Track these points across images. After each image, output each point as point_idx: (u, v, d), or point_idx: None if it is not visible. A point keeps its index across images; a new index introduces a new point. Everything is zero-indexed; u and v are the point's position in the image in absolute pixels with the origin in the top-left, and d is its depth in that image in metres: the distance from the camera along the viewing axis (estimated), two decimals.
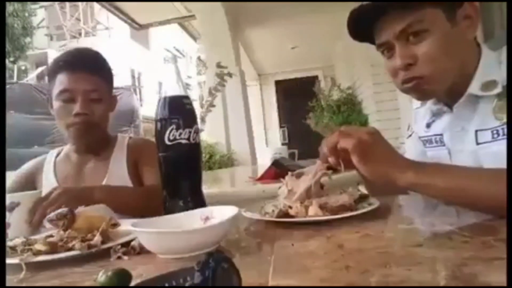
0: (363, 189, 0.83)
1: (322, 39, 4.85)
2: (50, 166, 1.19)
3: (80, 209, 0.74)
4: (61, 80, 1.07)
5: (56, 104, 1.08)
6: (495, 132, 0.75)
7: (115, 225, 0.73)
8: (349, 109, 5.64)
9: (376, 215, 0.73)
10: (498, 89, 0.75)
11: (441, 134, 0.89)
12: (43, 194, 1.13)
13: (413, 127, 1.03)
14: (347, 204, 0.73)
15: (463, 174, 0.66)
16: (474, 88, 0.78)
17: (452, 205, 0.69)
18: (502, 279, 0.37)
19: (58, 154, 1.24)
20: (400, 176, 0.67)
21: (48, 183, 1.14)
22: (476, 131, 0.78)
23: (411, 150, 1.03)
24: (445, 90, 0.81)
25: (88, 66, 1.09)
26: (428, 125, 0.94)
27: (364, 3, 0.79)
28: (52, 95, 1.10)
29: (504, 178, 0.58)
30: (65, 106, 1.06)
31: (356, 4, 0.81)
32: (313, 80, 6.81)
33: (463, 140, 0.82)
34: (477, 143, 0.78)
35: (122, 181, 0.82)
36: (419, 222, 0.73)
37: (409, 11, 0.76)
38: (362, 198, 0.80)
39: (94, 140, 1.14)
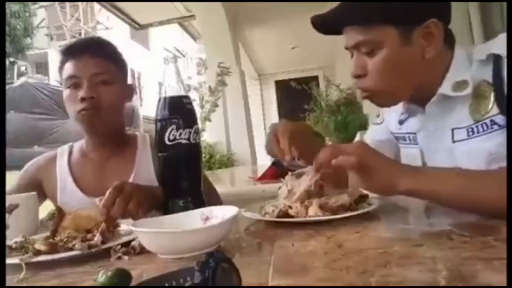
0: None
1: (322, 39, 4.83)
2: (65, 169, 1.13)
3: (73, 208, 0.73)
4: (67, 67, 1.05)
5: (65, 93, 1.06)
6: (470, 130, 0.76)
7: (115, 225, 0.73)
8: (348, 109, 5.63)
9: (376, 215, 0.73)
10: (468, 90, 0.75)
11: (414, 133, 0.90)
12: (59, 197, 1.08)
13: (383, 117, 1.03)
14: (347, 204, 0.73)
15: (462, 177, 0.66)
16: (445, 88, 0.78)
17: (452, 208, 0.69)
18: (502, 279, 0.37)
19: (69, 154, 1.16)
20: (398, 184, 0.66)
21: (65, 186, 1.09)
22: (453, 129, 0.79)
23: (372, 136, 1.05)
24: (407, 98, 0.83)
25: (92, 50, 1.06)
26: (401, 122, 0.93)
27: (316, 15, 0.82)
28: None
29: (503, 180, 0.58)
30: (72, 93, 1.03)
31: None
32: (312, 80, 6.81)
33: (438, 139, 0.82)
34: (453, 141, 0.79)
35: (148, 183, 0.78)
36: (418, 222, 0.73)
37: (364, 27, 0.77)
38: (362, 198, 0.79)
39: (105, 129, 1.07)
